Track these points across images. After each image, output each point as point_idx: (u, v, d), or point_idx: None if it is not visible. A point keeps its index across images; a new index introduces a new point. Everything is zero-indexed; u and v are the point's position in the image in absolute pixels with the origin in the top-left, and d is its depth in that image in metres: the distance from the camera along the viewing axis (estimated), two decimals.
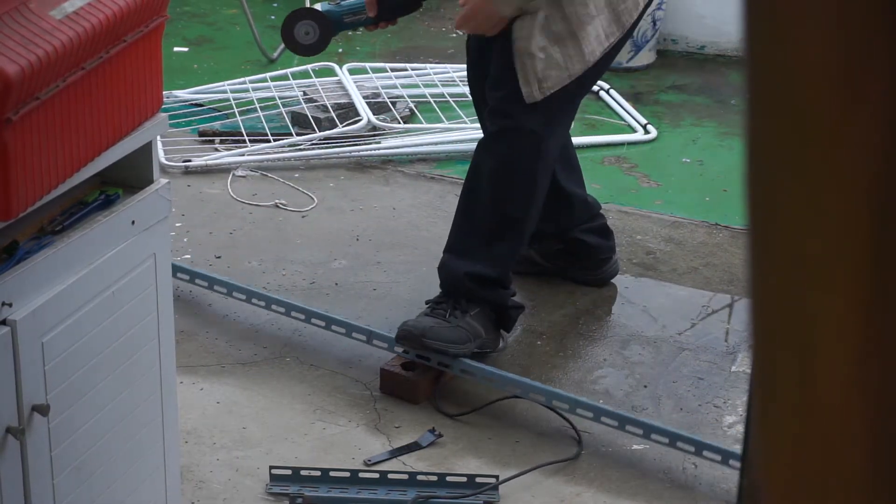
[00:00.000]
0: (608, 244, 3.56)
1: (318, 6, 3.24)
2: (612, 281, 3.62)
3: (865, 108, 0.55)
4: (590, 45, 3.04)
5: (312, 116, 4.44)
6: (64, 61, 1.88)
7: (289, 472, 2.81)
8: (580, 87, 3.13)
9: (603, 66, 3.15)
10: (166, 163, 4.15)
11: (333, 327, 3.26)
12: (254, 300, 3.36)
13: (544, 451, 2.95)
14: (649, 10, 5.00)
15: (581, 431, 3.01)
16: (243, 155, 4.27)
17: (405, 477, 2.82)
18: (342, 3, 3.22)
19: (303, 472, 2.81)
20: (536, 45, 3.01)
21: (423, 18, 5.40)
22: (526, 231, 3.20)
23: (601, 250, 3.55)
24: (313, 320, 3.29)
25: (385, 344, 3.17)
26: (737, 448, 2.84)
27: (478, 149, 3.22)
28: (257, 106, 4.54)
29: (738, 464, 2.82)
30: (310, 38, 3.24)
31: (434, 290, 3.40)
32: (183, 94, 4.69)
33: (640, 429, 2.90)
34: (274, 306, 3.34)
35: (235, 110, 4.53)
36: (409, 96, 4.65)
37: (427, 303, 3.25)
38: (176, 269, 3.31)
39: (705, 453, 2.85)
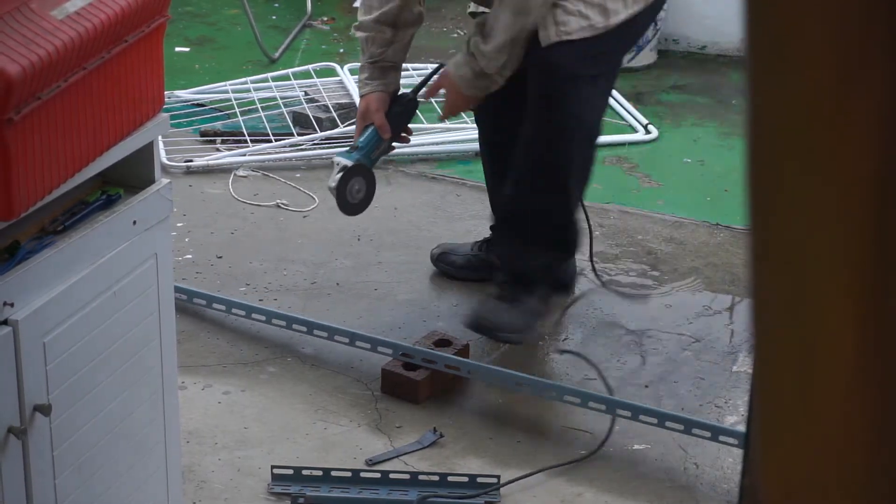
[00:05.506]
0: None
1: (340, 159, 3.20)
2: (613, 281, 3.62)
3: (865, 105, 0.55)
4: (614, 3, 3.05)
5: (314, 116, 4.44)
6: (65, 61, 1.88)
7: (290, 471, 2.81)
8: (604, 52, 3.11)
9: (626, 42, 3.15)
10: (168, 163, 4.15)
11: (336, 337, 3.24)
12: (254, 315, 3.34)
13: (545, 451, 2.95)
14: None
15: (583, 432, 3.01)
16: (245, 155, 4.27)
17: (406, 477, 2.82)
18: (360, 146, 3.21)
19: (304, 472, 2.81)
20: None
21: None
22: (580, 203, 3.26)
23: None
24: (315, 332, 3.27)
25: (389, 350, 3.16)
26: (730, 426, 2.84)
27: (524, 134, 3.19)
28: (259, 106, 4.54)
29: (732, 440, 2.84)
30: (360, 194, 3.22)
31: (435, 289, 3.41)
32: (184, 94, 4.69)
33: (655, 417, 2.94)
34: (275, 320, 3.31)
35: (237, 110, 4.53)
36: None
37: (494, 283, 3.31)
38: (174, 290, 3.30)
39: (721, 438, 2.91)
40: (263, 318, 3.33)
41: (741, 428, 2.91)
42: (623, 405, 2.97)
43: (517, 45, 3.06)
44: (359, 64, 4.94)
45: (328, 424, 3.02)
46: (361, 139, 3.23)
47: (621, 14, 3.06)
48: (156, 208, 2.21)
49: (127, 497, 2.25)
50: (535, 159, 3.14)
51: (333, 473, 2.82)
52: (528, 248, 3.21)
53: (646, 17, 3.16)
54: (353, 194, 3.21)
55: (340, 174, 3.19)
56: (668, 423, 2.93)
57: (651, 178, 4.26)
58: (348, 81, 4.68)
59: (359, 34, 3.25)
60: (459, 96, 3.20)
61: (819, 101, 0.56)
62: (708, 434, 2.90)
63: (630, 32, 3.14)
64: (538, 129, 3.11)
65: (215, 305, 3.39)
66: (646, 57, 5.15)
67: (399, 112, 3.24)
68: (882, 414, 0.58)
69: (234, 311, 3.36)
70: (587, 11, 3.03)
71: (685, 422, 2.92)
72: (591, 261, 3.55)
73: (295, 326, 3.29)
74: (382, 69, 3.22)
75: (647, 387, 3.19)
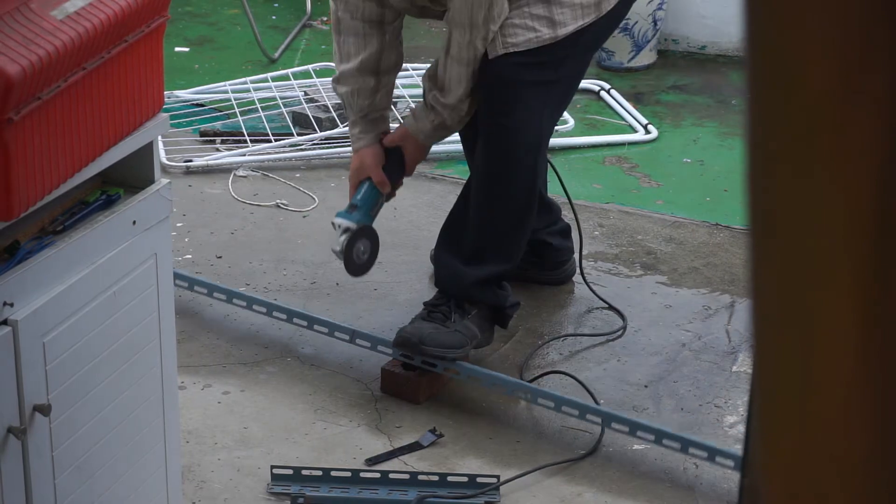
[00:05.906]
0: (568, 245, 3.59)
1: (341, 221, 3.13)
2: (614, 281, 3.62)
3: (866, 106, 0.55)
4: (562, 15, 3.05)
5: (313, 116, 4.44)
6: (65, 61, 1.88)
7: (290, 471, 2.81)
8: (552, 61, 3.10)
9: (580, 51, 3.15)
10: (167, 163, 4.15)
11: (336, 333, 3.24)
12: (255, 306, 3.35)
13: (545, 451, 2.95)
14: (649, 10, 5.03)
15: (582, 431, 3.01)
16: (244, 155, 4.27)
17: (406, 477, 2.82)
18: (359, 204, 3.14)
19: (304, 472, 2.81)
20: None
21: (423, 19, 5.40)
22: (531, 215, 3.20)
23: (562, 251, 3.59)
24: (316, 327, 3.27)
25: (389, 350, 3.16)
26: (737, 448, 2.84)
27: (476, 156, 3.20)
28: (258, 106, 4.54)
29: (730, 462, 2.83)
30: (366, 255, 3.17)
31: (434, 289, 3.40)
32: (184, 94, 4.69)
33: (651, 434, 2.89)
34: (276, 313, 3.32)
35: (237, 110, 4.53)
36: (410, 96, 4.65)
37: (425, 305, 3.24)
38: (175, 276, 3.29)
39: (718, 459, 2.83)
40: (264, 309, 3.33)
41: (737, 449, 2.86)
42: (620, 419, 2.92)
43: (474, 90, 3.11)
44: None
45: (328, 424, 3.02)
46: (359, 196, 3.16)
47: (570, 26, 3.06)
48: (155, 208, 2.21)
49: (127, 497, 2.25)
50: (483, 169, 3.14)
51: (333, 473, 2.82)
52: (467, 262, 3.17)
53: (601, 28, 3.14)
54: (360, 255, 3.16)
55: (345, 237, 3.12)
56: (664, 441, 2.86)
57: (651, 178, 4.26)
58: None
59: (341, 89, 3.18)
60: (421, 149, 3.25)
61: (820, 102, 0.56)
62: (705, 454, 2.83)
63: (581, 42, 3.12)
64: (485, 138, 3.11)
65: (216, 294, 3.40)
66: (645, 57, 5.15)
67: (393, 164, 3.20)
68: (883, 414, 0.58)
69: (234, 301, 3.37)
70: (533, 24, 3.04)
71: (682, 441, 2.85)
72: (580, 261, 3.55)
73: (295, 320, 3.29)
74: (374, 122, 3.20)
75: (646, 387, 3.19)
